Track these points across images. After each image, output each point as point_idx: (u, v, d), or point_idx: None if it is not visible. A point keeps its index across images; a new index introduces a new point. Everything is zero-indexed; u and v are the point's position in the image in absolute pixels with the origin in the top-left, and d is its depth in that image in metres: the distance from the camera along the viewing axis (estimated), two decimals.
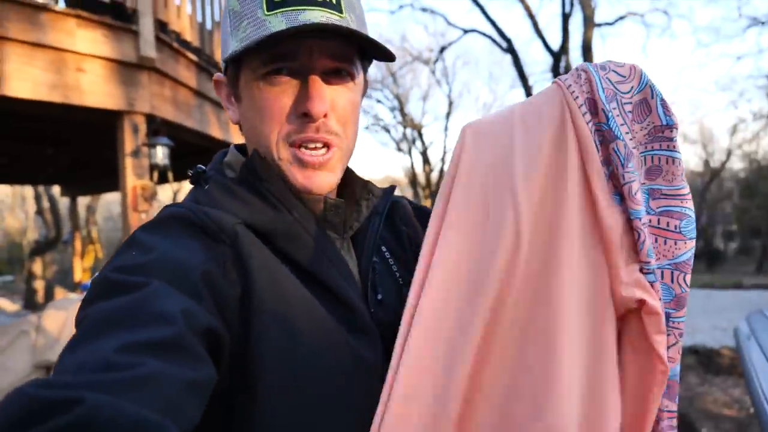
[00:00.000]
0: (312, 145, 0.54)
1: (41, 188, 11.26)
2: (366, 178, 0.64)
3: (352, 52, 0.55)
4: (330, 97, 0.54)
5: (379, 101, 18.23)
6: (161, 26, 2.95)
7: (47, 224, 11.46)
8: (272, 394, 0.46)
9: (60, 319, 3.26)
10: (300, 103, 0.53)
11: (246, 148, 0.62)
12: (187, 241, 0.48)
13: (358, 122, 0.60)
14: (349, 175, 0.62)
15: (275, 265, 0.50)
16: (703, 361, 4.75)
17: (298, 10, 0.51)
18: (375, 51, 0.55)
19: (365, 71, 0.61)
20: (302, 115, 0.53)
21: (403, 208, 0.70)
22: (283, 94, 0.53)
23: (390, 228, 0.67)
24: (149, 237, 0.47)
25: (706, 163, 21.64)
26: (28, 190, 14.19)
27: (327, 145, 0.55)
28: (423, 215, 0.71)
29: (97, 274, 0.46)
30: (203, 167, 0.58)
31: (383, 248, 0.63)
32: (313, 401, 0.48)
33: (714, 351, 5.02)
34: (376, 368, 0.52)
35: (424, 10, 13.92)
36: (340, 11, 0.53)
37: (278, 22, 0.51)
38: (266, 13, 0.51)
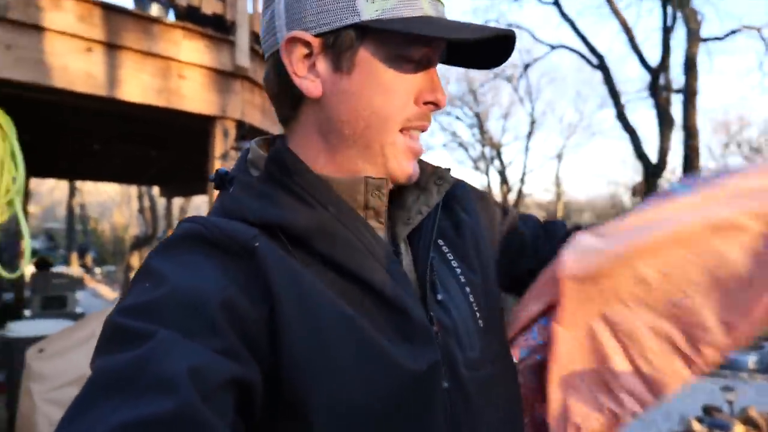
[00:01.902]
0: (416, 133, 0.54)
1: (144, 188, 12.44)
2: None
3: None
4: None
5: (458, 118, 18.09)
6: (256, 38, 3.13)
7: (146, 222, 12.60)
8: (318, 415, 0.42)
9: None
10: (429, 92, 0.52)
11: (269, 141, 0.58)
12: (201, 263, 0.44)
13: None
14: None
15: (303, 274, 0.46)
16: None
17: (437, 0, 0.52)
18: (478, 58, 0.56)
19: None
20: (427, 103, 0.53)
21: (465, 192, 0.65)
22: (413, 78, 0.52)
23: (448, 216, 0.61)
24: (162, 264, 0.44)
25: None
26: (133, 190, 15.78)
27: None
28: (485, 202, 0.68)
29: (114, 306, 0.43)
30: (225, 170, 0.54)
31: (440, 242, 0.59)
32: (364, 417, 0.44)
33: None
34: (430, 373, 0.48)
35: (509, 25, 13.68)
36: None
37: (429, 7, 0.50)
38: None
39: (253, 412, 0.41)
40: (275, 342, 0.43)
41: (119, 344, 0.38)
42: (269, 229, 0.48)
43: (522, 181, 17.76)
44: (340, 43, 0.50)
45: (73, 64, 2.38)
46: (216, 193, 2.67)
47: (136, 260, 12.54)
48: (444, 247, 0.59)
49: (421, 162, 0.57)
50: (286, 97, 0.54)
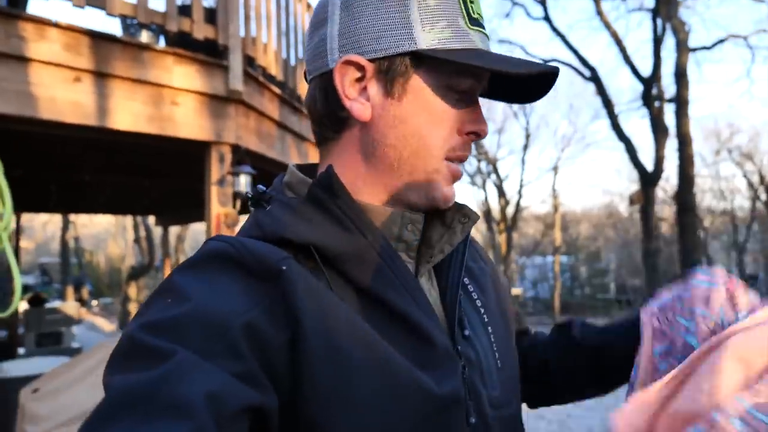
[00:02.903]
0: (459, 161, 0.54)
1: (139, 218, 12.35)
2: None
3: None
4: None
5: None
6: (249, 61, 3.08)
7: (142, 251, 12.47)
8: None
9: None
10: (474, 123, 0.53)
11: (309, 168, 0.59)
12: (226, 283, 0.44)
13: None
14: None
15: (332, 301, 0.45)
16: None
17: (484, 34, 0.53)
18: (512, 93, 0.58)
19: None
20: (471, 133, 0.53)
21: (477, 244, 0.69)
22: (459, 108, 0.53)
23: (473, 259, 0.65)
24: (186, 281, 0.43)
25: None
26: (128, 220, 15.66)
27: None
28: (497, 273, 0.70)
29: (131, 319, 0.42)
30: (264, 188, 0.55)
31: (466, 280, 0.60)
32: None
33: None
34: (455, 404, 0.48)
35: (501, 41, 13.86)
36: (485, 28, 0.55)
37: (478, 40, 0.51)
38: (469, 26, 0.51)
39: None
40: (297, 369, 0.42)
41: (137, 361, 0.38)
42: (303, 248, 0.48)
43: (519, 194, 17.83)
44: (394, 69, 0.51)
45: (61, 95, 2.30)
46: (215, 215, 2.57)
47: (133, 291, 12.36)
48: (470, 286, 0.60)
49: None
50: (331, 119, 0.54)
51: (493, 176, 18.24)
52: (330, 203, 0.50)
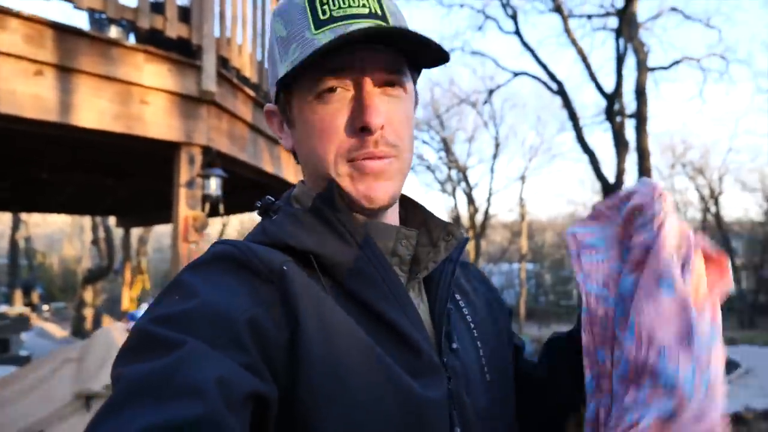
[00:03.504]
0: (369, 162, 0.53)
1: (98, 219, 11.84)
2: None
3: (403, 61, 0.54)
4: (385, 110, 0.53)
5: (425, 142, 18.41)
6: (223, 62, 3.02)
7: (101, 254, 11.96)
8: None
9: (103, 349, 3.22)
10: (356, 117, 0.52)
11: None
12: (232, 283, 0.46)
13: (413, 134, 0.59)
14: (426, 214, 0.61)
15: (328, 305, 0.48)
16: None
17: (346, 23, 0.51)
18: (427, 55, 0.53)
19: (415, 82, 0.60)
20: (360, 129, 0.52)
21: (474, 266, 0.71)
22: (338, 111, 0.52)
23: (466, 278, 0.67)
24: (194, 279, 0.46)
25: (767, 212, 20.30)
26: (86, 220, 14.99)
27: (386, 158, 0.54)
28: (500, 299, 0.72)
29: (141, 315, 0.44)
30: (272, 199, 0.58)
31: (457, 296, 0.62)
32: None
33: None
34: (441, 410, 0.49)
35: (474, 53, 14.14)
36: (387, 21, 0.52)
37: (327, 38, 0.50)
38: (314, 32, 0.51)
39: (265, 431, 0.42)
40: (294, 367, 0.44)
41: (149, 351, 0.39)
42: (304, 256, 0.50)
43: (488, 201, 18.15)
44: (281, 105, 0.58)
45: (22, 88, 2.19)
46: (183, 218, 2.50)
47: (89, 295, 11.80)
48: (460, 302, 0.62)
49: (433, 218, 0.60)
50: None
51: (463, 184, 18.51)
52: (331, 216, 0.53)
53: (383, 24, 0.52)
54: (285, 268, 0.48)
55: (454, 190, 18.71)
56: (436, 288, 0.57)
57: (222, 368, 0.38)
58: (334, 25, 0.51)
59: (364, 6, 0.51)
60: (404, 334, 0.50)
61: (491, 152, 18.10)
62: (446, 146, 17.86)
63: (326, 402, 0.44)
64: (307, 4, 0.52)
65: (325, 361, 0.45)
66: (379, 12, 0.52)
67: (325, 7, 0.51)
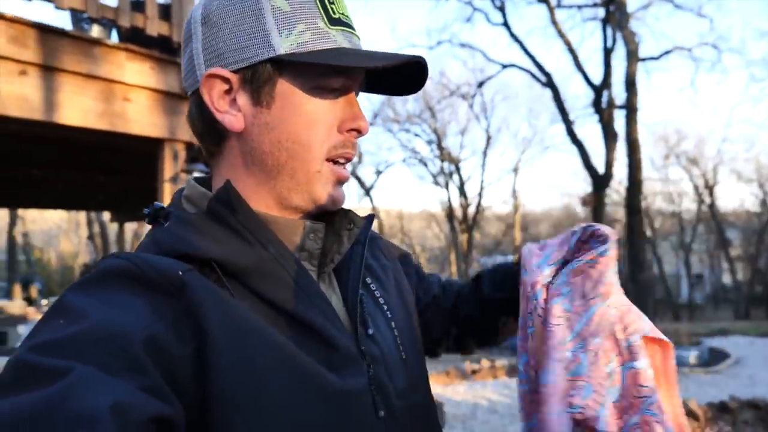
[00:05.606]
0: (343, 161, 0.55)
1: (93, 214, 11.88)
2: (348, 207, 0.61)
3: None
4: None
5: (417, 135, 18.42)
6: None
7: (97, 249, 12.01)
8: None
9: None
10: (352, 120, 0.54)
11: (206, 181, 0.57)
12: (127, 299, 0.42)
13: None
14: None
15: (237, 310, 0.46)
16: (764, 417, 4.27)
17: (349, 32, 0.54)
18: (404, 88, 0.59)
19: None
20: (350, 131, 0.54)
21: (384, 242, 0.71)
22: (333, 107, 0.54)
23: (375, 257, 0.66)
24: (81, 299, 0.41)
25: (763, 202, 20.41)
26: (82, 216, 15.03)
27: (351, 160, 0.57)
28: (408, 258, 0.74)
29: (17, 348, 0.39)
30: (161, 204, 0.54)
31: (368, 279, 0.62)
32: None
33: None
34: (362, 400, 0.50)
35: (462, 45, 14.15)
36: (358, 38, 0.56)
37: (342, 39, 0.52)
38: (329, 26, 0.52)
39: None
40: (204, 378, 0.42)
41: (29, 384, 0.34)
42: (203, 263, 0.48)
43: (480, 194, 18.20)
44: (258, 78, 0.51)
45: (6, 88, 2.26)
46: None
47: None
48: (372, 285, 0.61)
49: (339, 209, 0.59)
50: (210, 133, 0.55)
51: (456, 177, 18.57)
52: (230, 218, 0.50)
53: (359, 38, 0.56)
54: (185, 278, 0.44)
55: (446, 183, 18.74)
56: (346, 276, 0.57)
57: (117, 394, 0.34)
58: (343, 28, 0.53)
59: (349, 18, 0.55)
60: (318, 330, 0.49)
61: (483, 145, 18.12)
62: (438, 139, 17.89)
63: (240, 409, 0.42)
64: None
65: (236, 369, 0.43)
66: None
67: (333, 6, 0.53)
